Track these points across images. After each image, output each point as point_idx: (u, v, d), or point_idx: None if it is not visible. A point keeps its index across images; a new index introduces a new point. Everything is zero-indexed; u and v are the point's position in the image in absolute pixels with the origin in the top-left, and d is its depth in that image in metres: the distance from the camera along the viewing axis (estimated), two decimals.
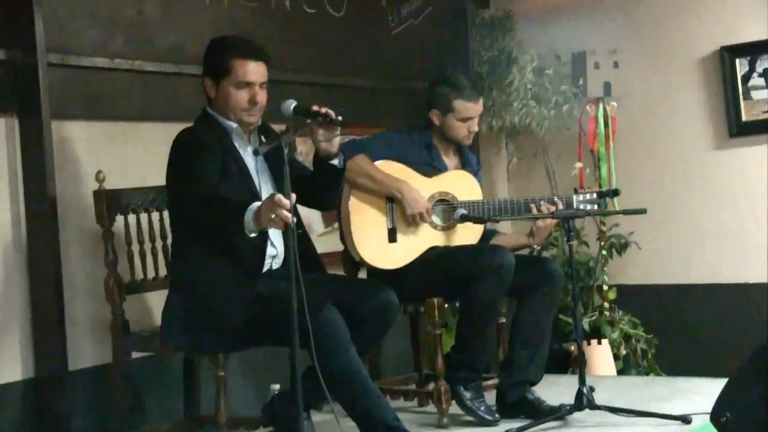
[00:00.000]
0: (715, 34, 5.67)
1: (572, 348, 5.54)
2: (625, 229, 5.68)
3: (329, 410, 3.54)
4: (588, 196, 4.32)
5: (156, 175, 3.80)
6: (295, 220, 3.18)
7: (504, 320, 4.62)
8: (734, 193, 5.70)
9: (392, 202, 4.25)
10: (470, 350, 4.22)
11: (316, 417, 3.88)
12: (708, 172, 5.76)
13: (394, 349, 5.13)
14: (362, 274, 4.44)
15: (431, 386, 4.39)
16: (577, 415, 4.10)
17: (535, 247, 4.56)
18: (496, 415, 4.23)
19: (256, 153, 3.43)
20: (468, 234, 4.33)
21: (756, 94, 5.61)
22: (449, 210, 4.32)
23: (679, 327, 5.75)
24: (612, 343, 5.58)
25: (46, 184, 3.87)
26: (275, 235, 3.69)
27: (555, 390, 4.47)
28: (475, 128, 4.42)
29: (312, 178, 3.78)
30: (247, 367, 4.50)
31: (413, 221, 4.23)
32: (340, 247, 4.36)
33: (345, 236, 4.27)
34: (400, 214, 4.25)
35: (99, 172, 3.92)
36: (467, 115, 4.36)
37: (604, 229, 5.67)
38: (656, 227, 5.70)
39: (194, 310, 3.59)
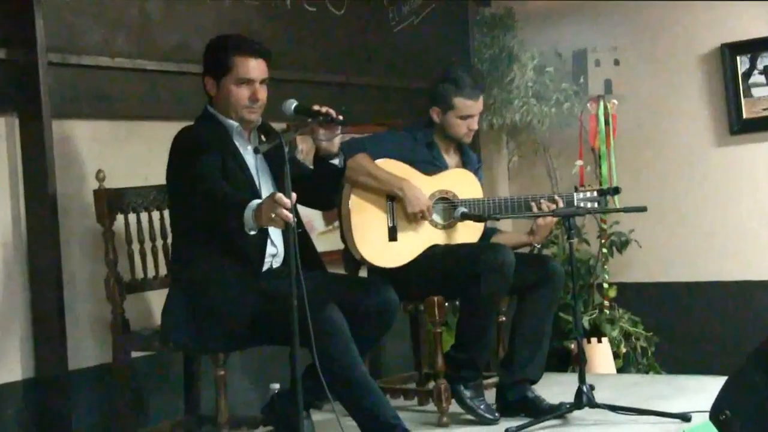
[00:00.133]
0: (716, 31, 5.67)
1: (572, 346, 5.54)
2: (626, 227, 5.68)
3: (330, 409, 3.54)
4: (588, 194, 4.32)
5: (159, 174, 3.79)
6: (295, 219, 3.19)
7: (504, 319, 4.63)
8: (735, 191, 5.70)
9: (393, 200, 4.25)
10: (470, 349, 4.22)
11: (317, 416, 3.89)
12: (709, 169, 5.76)
13: (395, 347, 5.14)
14: (363, 273, 4.45)
15: (431, 385, 4.40)
16: (577, 413, 4.10)
17: (536, 245, 4.56)
18: (496, 414, 4.23)
19: (256, 151, 3.43)
20: (468, 232, 4.33)
21: (757, 92, 5.60)
22: (450, 208, 4.32)
23: (680, 325, 5.75)
24: (612, 342, 5.58)
25: (47, 183, 3.87)
26: (275, 234, 3.70)
27: (555, 388, 4.47)
28: (475, 126, 4.41)
29: (312, 178, 3.78)
30: (248, 366, 4.50)
31: (414, 219, 4.23)
32: (341, 246, 4.37)
33: (345, 235, 4.27)
34: (401, 213, 4.25)
35: (99, 171, 3.93)
36: (467, 112, 4.35)
37: (604, 227, 5.67)
38: (657, 225, 5.70)
39: (195, 309, 3.60)
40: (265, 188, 3.71)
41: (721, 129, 5.72)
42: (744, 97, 5.62)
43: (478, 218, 4.24)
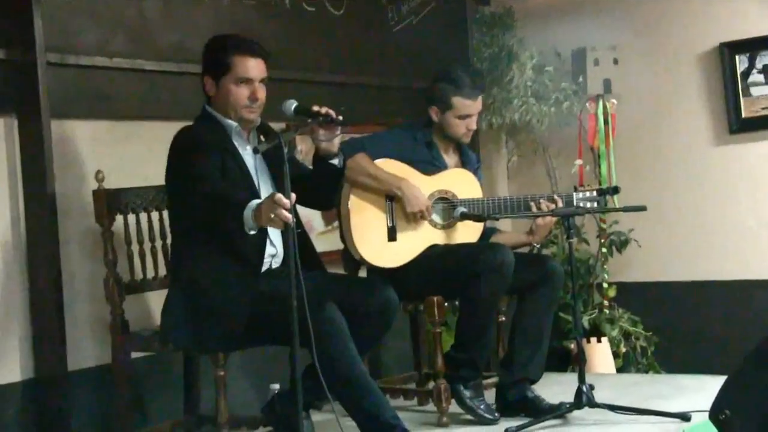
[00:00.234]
0: (715, 30, 5.67)
1: (572, 346, 5.54)
2: (625, 226, 5.68)
3: (329, 409, 3.54)
4: (588, 194, 4.32)
5: (158, 175, 3.79)
6: (294, 219, 3.18)
7: (504, 318, 4.63)
8: (735, 190, 5.70)
9: (392, 200, 4.25)
10: (470, 349, 4.21)
11: (316, 416, 3.89)
12: (708, 168, 5.76)
13: (394, 347, 5.14)
14: (362, 273, 4.45)
15: (431, 385, 4.40)
16: (576, 413, 4.10)
17: (535, 245, 4.56)
18: (496, 414, 4.23)
19: (255, 151, 3.43)
20: (468, 232, 4.33)
21: (756, 91, 5.61)
22: (449, 208, 4.32)
23: (679, 324, 5.75)
24: (612, 341, 5.58)
25: (46, 183, 3.86)
26: (275, 234, 3.70)
27: (555, 388, 4.47)
28: (474, 126, 4.41)
29: (311, 178, 3.78)
30: (248, 367, 4.50)
31: (414, 219, 4.23)
32: (340, 246, 4.36)
33: (345, 235, 4.27)
34: (400, 213, 4.24)
35: (98, 171, 3.92)
36: (466, 112, 4.35)
37: (604, 226, 5.67)
38: (656, 224, 5.70)
39: (194, 309, 3.60)
40: (264, 188, 3.71)
41: (720, 128, 5.72)
42: (743, 96, 5.62)
43: (477, 218, 4.24)
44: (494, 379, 4.47)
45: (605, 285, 5.72)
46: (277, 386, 4.00)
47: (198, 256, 3.61)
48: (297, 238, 3.18)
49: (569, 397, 4.09)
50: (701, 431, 3.66)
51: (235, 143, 3.70)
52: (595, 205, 4.31)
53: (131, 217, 4.03)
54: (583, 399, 4.04)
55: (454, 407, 4.26)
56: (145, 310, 4.22)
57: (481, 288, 4.08)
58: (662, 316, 5.77)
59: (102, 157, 4.14)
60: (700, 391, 4.41)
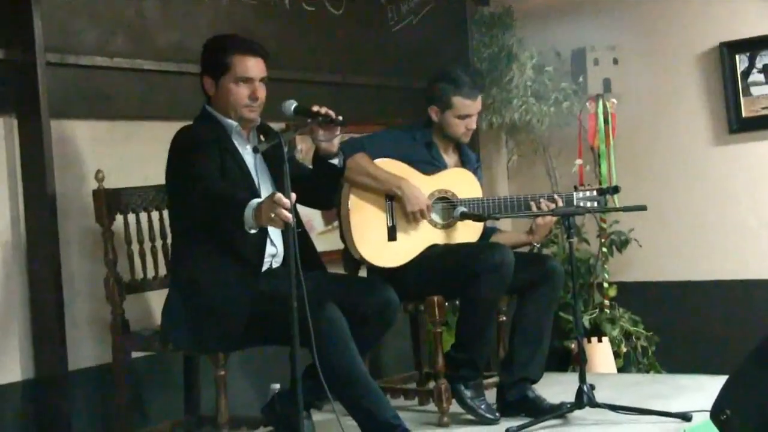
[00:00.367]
0: (715, 29, 5.67)
1: (573, 346, 5.54)
2: (626, 226, 5.68)
3: (330, 409, 3.53)
4: (588, 193, 4.31)
5: (157, 174, 3.79)
6: (294, 219, 3.18)
7: (504, 318, 4.63)
8: (735, 190, 5.70)
9: (392, 200, 4.25)
10: (470, 348, 4.21)
11: (317, 416, 3.88)
12: (708, 168, 5.76)
13: (395, 347, 5.14)
14: (362, 273, 4.44)
15: (432, 385, 4.39)
16: (577, 413, 4.10)
17: (536, 244, 4.56)
18: (497, 414, 4.23)
19: (255, 150, 3.42)
20: (468, 232, 4.32)
21: (756, 90, 5.61)
22: (449, 208, 4.32)
23: (680, 324, 5.75)
24: (612, 341, 5.58)
25: (46, 183, 3.86)
26: (275, 234, 3.69)
27: (555, 388, 4.47)
28: (473, 126, 4.41)
29: (311, 177, 3.78)
30: (248, 367, 4.50)
31: (413, 218, 4.23)
32: (341, 246, 4.36)
33: (345, 234, 4.27)
34: (400, 213, 4.24)
35: (98, 171, 3.92)
36: (465, 112, 4.35)
37: (604, 226, 5.67)
38: (657, 224, 5.70)
39: (195, 309, 3.59)
40: (264, 188, 3.71)
41: (720, 128, 5.72)
42: (743, 95, 5.62)
43: (477, 218, 4.24)
44: (495, 379, 4.47)
45: (606, 285, 5.72)
46: (277, 386, 3.99)
47: (198, 256, 3.61)
48: (297, 237, 3.17)
49: (570, 397, 4.09)
50: (702, 431, 3.66)
51: (235, 143, 3.70)
52: (596, 204, 4.31)
53: (131, 217, 4.03)
54: (584, 399, 4.03)
55: (454, 407, 4.26)
56: (146, 309, 4.22)
57: (481, 288, 4.07)
58: (663, 315, 5.77)
59: (102, 156, 4.14)
60: (700, 391, 4.41)
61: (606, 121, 5.69)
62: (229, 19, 4.63)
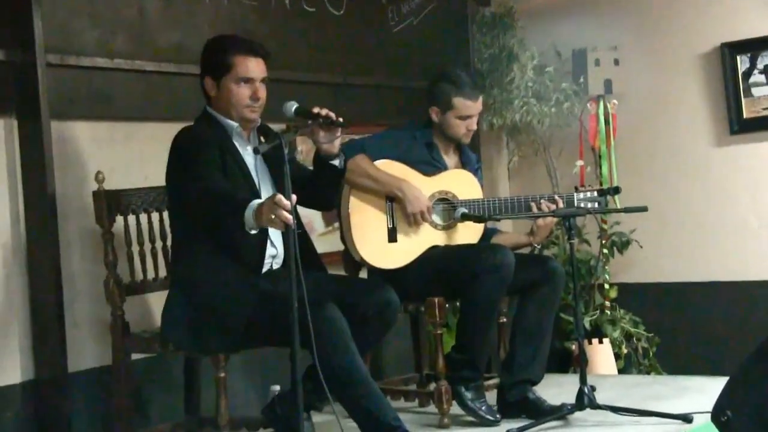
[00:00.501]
0: (716, 30, 5.66)
1: (573, 347, 5.53)
2: (627, 227, 5.67)
3: (330, 411, 3.53)
4: (589, 194, 4.31)
5: (158, 175, 3.79)
6: (295, 220, 3.18)
7: (505, 319, 4.62)
8: (736, 191, 5.69)
9: (392, 201, 4.24)
10: (471, 350, 4.21)
11: (317, 417, 3.87)
12: (709, 169, 5.75)
13: (395, 349, 5.14)
14: (363, 274, 4.44)
15: (432, 386, 4.38)
16: (578, 414, 4.09)
17: (536, 245, 4.55)
18: (497, 415, 4.22)
19: (256, 151, 3.42)
20: (468, 233, 4.32)
21: (757, 91, 5.60)
22: (450, 209, 4.31)
23: (681, 325, 5.75)
24: (613, 342, 5.57)
25: (46, 184, 3.86)
26: (275, 235, 3.69)
27: (556, 389, 4.47)
28: (474, 126, 4.41)
29: (311, 179, 3.77)
30: (248, 368, 4.49)
31: (414, 220, 4.22)
32: (341, 247, 4.36)
33: (345, 236, 4.27)
34: (401, 214, 4.24)
35: (98, 172, 3.91)
36: (466, 113, 4.35)
37: (605, 227, 5.66)
38: (658, 225, 5.69)
39: (195, 310, 3.59)
40: (265, 189, 3.71)
41: (721, 128, 5.71)
42: (744, 96, 5.61)
43: (478, 219, 4.23)
44: (495, 380, 4.47)
45: (606, 286, 5.72)
46: (277, 387, 3.99)
47: (198, 257, 3.61)
48: (297, 238, 3.17)
49: (571, 399, 4.08)
50: None
51: (236, 144, 3.70)
52: (596, 205, 4.30)
53: (131, 218, 4.02)
54: (585, 400, 4.02)
55: (455, 408, 4.25)
56: (146, 311, 4.21)
57: (482, 289, 4.07)
58: (664, 317, 5.76)
59: (102, 157, 4.13)
60: (701, 393, 4.41)
61: (607, 122, 5.69)
62: (229, 19, 4.62)
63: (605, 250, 5.67)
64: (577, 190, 4.36)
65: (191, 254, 3.63)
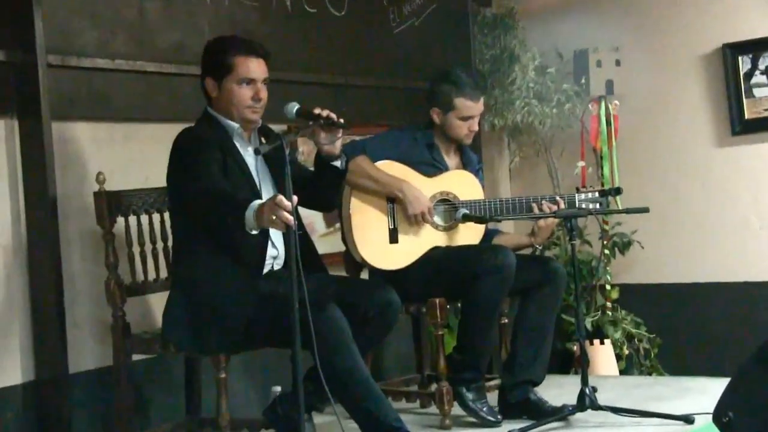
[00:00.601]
0: (718, 31, 5.66)
1: (575, 348, 5.53)
2: (628, 228, 5.67)
3: (331, 411, 3.53)
4: (590, 195, 4.31)
5: (158, 176, 3.79)
6: (296, 221, 3.17)
7: (506, 320, 4.61)
8: (737, 191, 5.69)
9: (393, 202, 4.24)
10: (472, 351, 4.21)
11: (318, 418, 3.87)
12: (711, 170, 5.75)
13: (397, 350, 5.13)
14: (364, 275, 4.44)
15: (433, 387, 4.39)
16: (579, 415, 4.09)
17: (537, 246, 4.55)
18: (499, 416, 4.22)
19: (257, 152, 3.42)
20: (470, 234, 4.32)
21: (759, 92, 5.60)
22: (451, 210, 4.31)
23: (682, 326, 5.74)
24: (615, 343, 5.56)
25: (47, 185, 3.85)
26: (276, 236, 3.69)
27: (557, 390, 4.47)
28: (476, 127, 4.40)
29: (313, 179, 3.77)
30: (249, 369, 4.49)
31: (415, 221, 4.22)
32: (342, 248, 4.36)
33: (346, 237, 4.26)
34: (402, 215, 4.23)
35: (99, 173, 3.91)
36: (468, 113, 4.34)
37: (606, 228, 5.66)
38: (659, 226, 5.69)
39: (196, 311, 3.59)
40: (266, 190, 3.70)
41: (722, 129, 5.71)
42: (746, 97, 5.61)
43: (479, 219, 4.23)
44: (497, 381, 4.46)
45: (608, 287, 5.71)
46: (278, 388, 3.98)
47: (199, 258, 3.60)
48: (298, 239, 3.16)
49: (572, 400, 4.08)
50: None
51: (237, 145, 3.70)
52: (598, 206, 4.30)
53: (132, 219, 4.01)
54: (586, 401, 4.02)
55: (456, 409, 4.25)
56: (147, 312, 4.21)
57: (483, 290, 4.07)
58: (665, 318, 5.76)
59: (103, 158, 4.13)
60: (703, 394, 4.41)
61: (608, 123, 5.68)
62: (230, 20, 4.62)
63: (606, 251, 5.67)
64: (578, 190, 4.36)
65: (192, 255, 3.63)
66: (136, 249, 4.02)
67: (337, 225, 4.52)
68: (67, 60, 4.01)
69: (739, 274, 5.66)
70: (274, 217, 3.15)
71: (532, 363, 4.25)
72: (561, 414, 4.11)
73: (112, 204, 3.92)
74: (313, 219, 4.83)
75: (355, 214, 4.22)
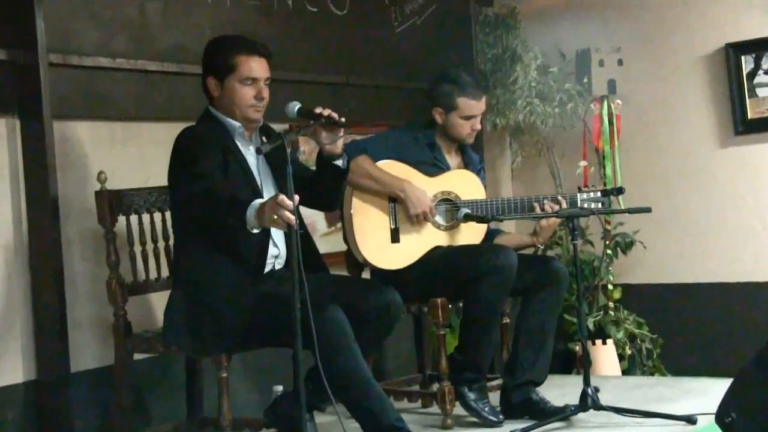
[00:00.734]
0: (720, 31, 5.66)
1: (577, 348, 5.52)
2: (630, 227, 5.66)
3: (332, 411, 3.52)
4: (592, 195, 4.30)
5: (159, 175, 3.79)
6: (297, 221, 3.17)
7: (508, 320, 4.61)
8: (740, 192, 5.68)
9: (395, 202, 4.23)
10: (474, 351, 4.20)
11: (319, 418, 3.87)
12: (713, 170, 5.74)
13: (398, 349, 5.13)
14: (365, 275, 4.43)
15: (435, 387, 4.38)
16: (581, 415, 4.08)
17: (539, 246, 4.54)
18: (501, 416, 4.21)
19: (258, 151, 3.42)
20: (471, 233, 4.31)
21: (761, 92, 5.59)
22: (452, 209, 4.30)
23: (685, 327, 5.74)
24: (617, 343, 5.56)
25: (48, 184, 3.85)
26: (277, 236, 3.69)
27: (559, 390, 4.46)
28: (478, 126, 4.40)
29: (314, 179, 3.77)
30: (250, 369, 4.49)
31: (417, 221, 4.21)
32: (344, 248, 4.35)
33: (348, 237, 4.26)
34: (403, 215, 4.23)
35: (101, 172, 3.90)
36: (470, 113, 4.34)
37: (608, 227, 5.65)
38: (661, 226, 5.68)
39: (197, 311, 3.58)
40: (267, 189, 3.70)
41: (725, 129, 5.70)
42: (749, 97, 5.61)
43: (481, 219, 4.22)
44: (498, 381, 4.46)
45: (610, 287, 5.71)
46: (280, 388, 3.98)
47: (200, 257, 3.60)
48: (300, 239, 3.16)
49: (574, 400, 4.07)
50: None
51: (238, 144, 3.70)
52: (600, 206, 4.29)
53: (134, 218, 4.01)
54: (588, 401, 4.02)
55: (458, 409, 4.24)
56: (148, 311, 4.21)
57: (484, 290, 4.06)
58: (668, 318, 5.75)
59: (104, 158, 4.13)
60: (705, 394, 4.40)
61: (611, 123, 5.68)
62: (231, 20, 4.61)
63: (609, 251, 5.66)
64: (580, 190, 4.35)
65: (193, 254, 3.63)
66: (137, 248, 4.02)
67: (339, 224, 4.52)
68: (68, 59, 4.01)
69: (742, 274, 5.65)
70: (275, 217, 3.15)
71: (534, 363, 4.25)
72: (563, 414, 4.11)
73: (114, 203, 3.92)
74: (315, 218, 4.83)
75: (356, 214, 4.22)
